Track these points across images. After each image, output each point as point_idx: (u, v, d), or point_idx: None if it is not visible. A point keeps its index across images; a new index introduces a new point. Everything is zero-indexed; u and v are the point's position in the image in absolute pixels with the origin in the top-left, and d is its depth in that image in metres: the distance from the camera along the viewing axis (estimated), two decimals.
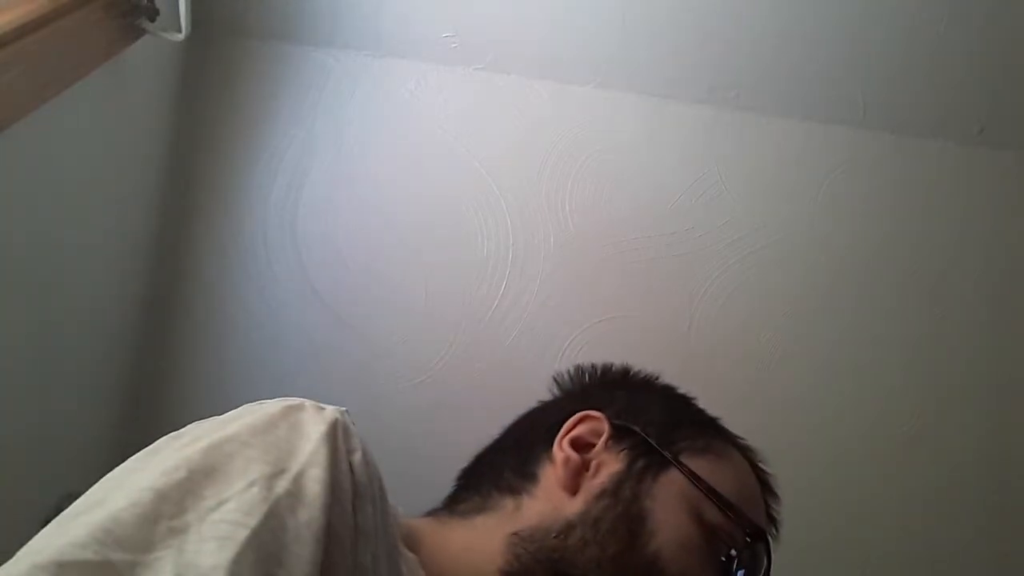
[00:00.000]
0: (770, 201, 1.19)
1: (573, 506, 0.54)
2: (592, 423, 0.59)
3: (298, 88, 1.18)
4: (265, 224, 1.16)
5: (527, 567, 0.51)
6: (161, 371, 1.13)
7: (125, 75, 0.98)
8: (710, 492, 0.55)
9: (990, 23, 1.11)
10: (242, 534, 0.34)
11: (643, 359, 1.14)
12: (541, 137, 1.19)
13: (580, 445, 0.58)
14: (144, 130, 1.09)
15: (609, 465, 0.56)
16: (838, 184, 1.20)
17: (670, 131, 1.20)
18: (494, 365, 1.13)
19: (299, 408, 0.42)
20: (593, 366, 0.68)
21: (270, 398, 0.43)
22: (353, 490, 0.39)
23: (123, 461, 0.41)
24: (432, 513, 0.59)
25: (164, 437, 0.41)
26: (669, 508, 0.54)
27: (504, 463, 0.60)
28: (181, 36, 0.99)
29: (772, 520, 0.64)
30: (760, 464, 0.64)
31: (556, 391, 0.68)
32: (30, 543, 0.34)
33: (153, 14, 0.95)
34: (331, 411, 0.43)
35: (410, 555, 0.48)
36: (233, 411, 0.42)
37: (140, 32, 0.96)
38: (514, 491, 0.57)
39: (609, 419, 0.59)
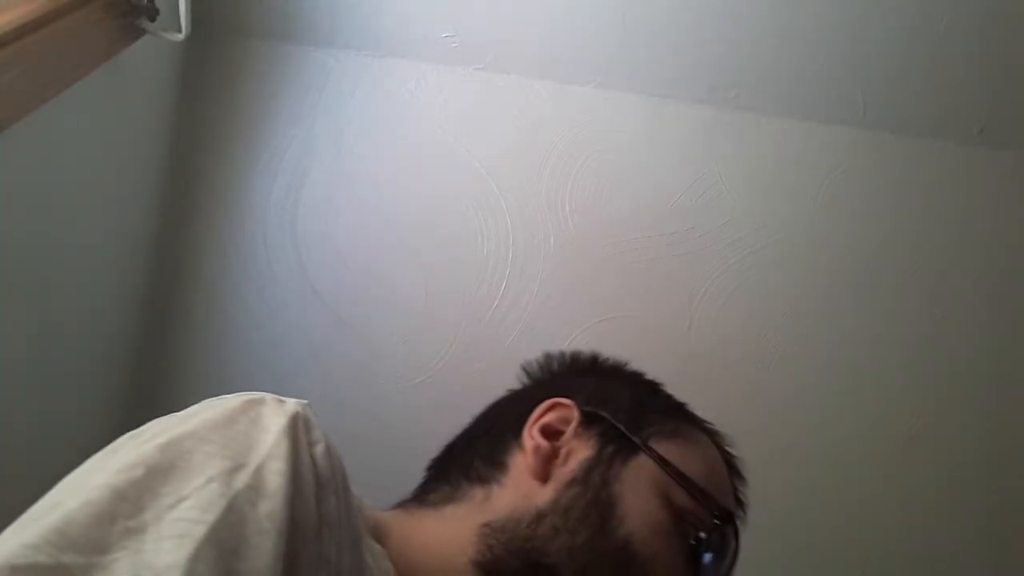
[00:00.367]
0: (770, 201, 1.19)
1: (544, 494, 0.54)
2: (562, 410, 0.59)
3: (298, 88, 1.18)
4: (265, 224, 1.16)
5: (499, 557, 0.51)
6: (161, 371, 1.13)
7: (125, 75, 0.98)
8: (679, 476, 0.56)
9: (990, 23, 1.11)
10: (200, 531, 0.34)
11: (643, 359, 1.14)
12: (541, 137, 1.19)
13: (550, 432, 0.58)
14: (144, 130, 1.09)
15: (579, 452, 0.57)
16: (838, 184, 1.19)
17: (670, 131, 1.20)
18: (494, 365, 1.13)
19: (259, 402, 0.42)
20: (562, 354, 0.69)
21: None
22: (316, 481, 0.39)
23: None
24: (401, 505, 0.59)
25: (124, 436, 0.40)
26: (639, 493, 0.54)
27: (474, 453, 0.60)
28: (181, 36, 0.99)
29: (740, 503, 0.65)
30: (727, 448, 0.65)
31: (525, 379, 0.68)
32: None
33: (153, 14, 0.95)
34: (292, 404, 0.42)
35: (376, 546, 0.48)
36: (193, 407, 0.41)
37: (140, 32, 0.96)
38: (484, 481, 0.57)
39: (578, 406, 0.59)
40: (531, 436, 0.58)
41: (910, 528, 1.12)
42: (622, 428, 0.58)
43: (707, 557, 0.54)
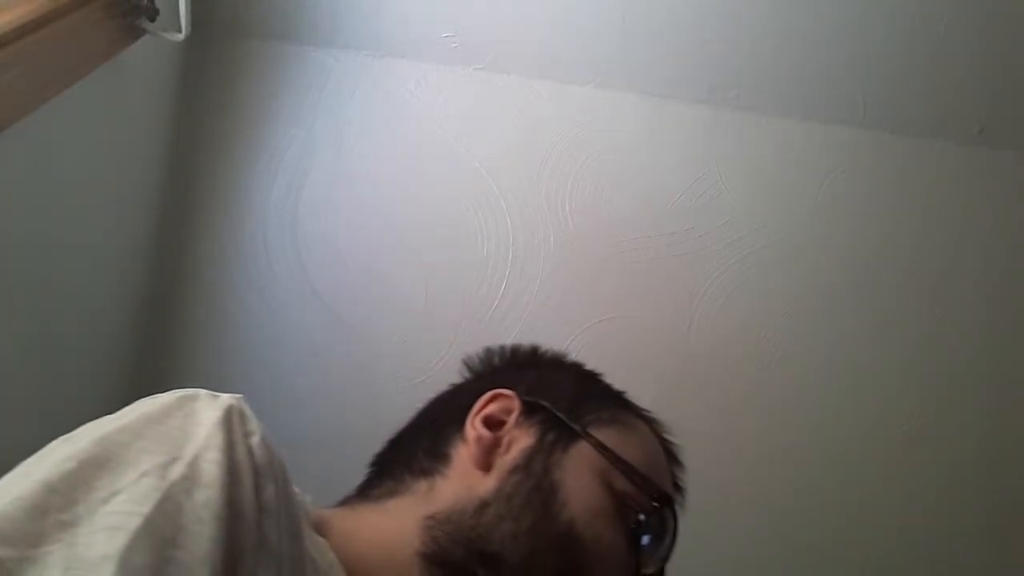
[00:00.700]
0: (770, 201, 1.19)
1: (486, 484, 0.55)
2: (503, 401, 0.60)
3: (298, 88, 1.18)
4: (265, 224, 1.16)
5: (444, 548, 0.52)
6: (161, 371, 1.13)
7: (125, 75, 0.98)
8: (618, 461, 0.57)
9: (990, 23, 1.11)
10: (134, 522, 0.34)
11: (643, 359, 1.14)
12: (541, 137, 1.19)
13: (492, 423, 0.59)
14: (144, 130, 1.09)
15: (520, 441, 0.57)
16: (838, 184, 1.20)
17: (670, 131, 1.20)
18: None
19: (193, 397, 0.42)
20: (502, 347, 0.70)
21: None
22: (253, 470, 0.39)
23: None
24: (344, 502, 0.59)
25: (55, 440, 0.40)
26: (580, 478, 0.55)
27: (416, 446, 0.61)
28: (181, 36, 0.99)
29: (678, 488, 0.66)
30: (665, 435, 0.66)
31: (466, 374, 0.69)
32: None
33: (153, 14, 0.95)
34: (226, 398, 0.42)
35: (319, 539, 0.48)
36: (127, 407, 0.41)
37: (140, 32, 0.96)
38: (427, 473, 0.57)
39: (519, 396, 0.60)
40: (473, 427, 0.58)
41: (910, 528, 1.12)
42: (562, 416, 0.59)
43: (647, 539, 0.55)
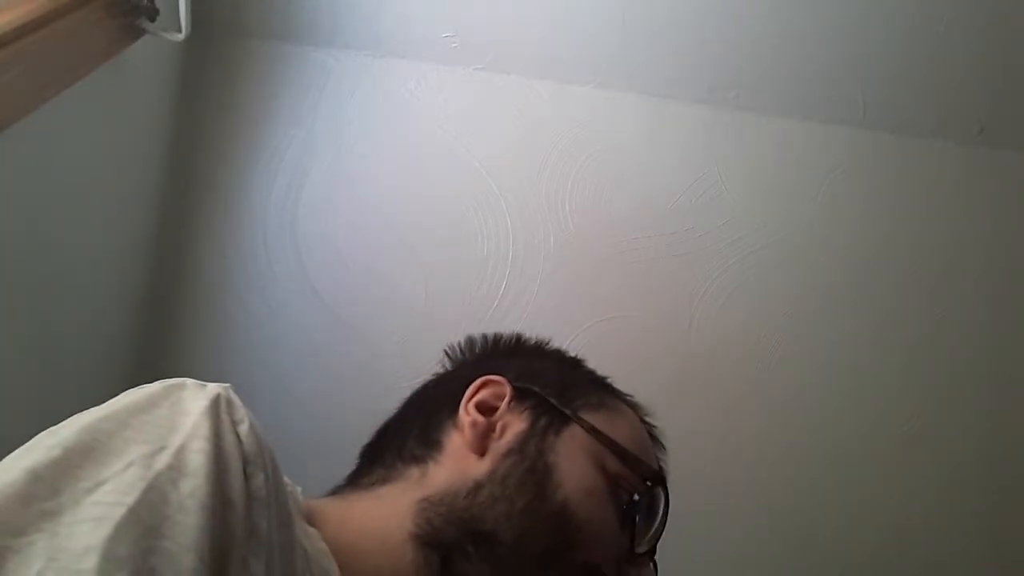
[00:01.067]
0: (770, 201, 1.19)
1: (481, 467, 0.56)
2: (494, 387, 0.61)
3: (298, 88, 1.18)
4: (265, 224, 1.16)
5: (438, 529, 0.52)
6: (161, 371, 1.12)
7: (125, 75, 0.98)
8: (610, 443, 0.58)
9: (990, 23, 1.11)
10: (119, 512, 0.33)
11: (643, 359, 1.14)
12: (541, 137, 1.19)
13: (484, 408, 0.60)
14: (144, 130, 1.09)
15: (514, 425, 0.59)
16: (838, 184, 1.19)
17: (670, 131, 1.20)
18: None
19: (180, 386, 0.42)
20: (484, 336, 0.71)
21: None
22: (242, 458, 0.39)
23: None
24: (334, 491, 0.60)
25: (41, 433, 0.40)
26: (573, 460, 0.57)
27: (406, 434, 0.61)
28: (181, 36, 0.99)
29: (662, 470, 0.66)
30: (647, 418, 0.68)
31: (448, 364, 0.71)
32: None
33: (153, 14, 0.95)
34: (213, 387, 0.42)
35: (310, 528, 0.48)
36: (115, 397, 0.41)
37: (140, 32, 0.96)
38: (419, 460, 0.58)
39: (510, 382, 0.61)
40: (467, 412, 0.59)
41: (910, 528, 1.12)
42: (553, 401, 0.60)
43: (639, 518, 0.57)
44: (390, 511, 0.54)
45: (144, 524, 0.34)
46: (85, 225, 0.95)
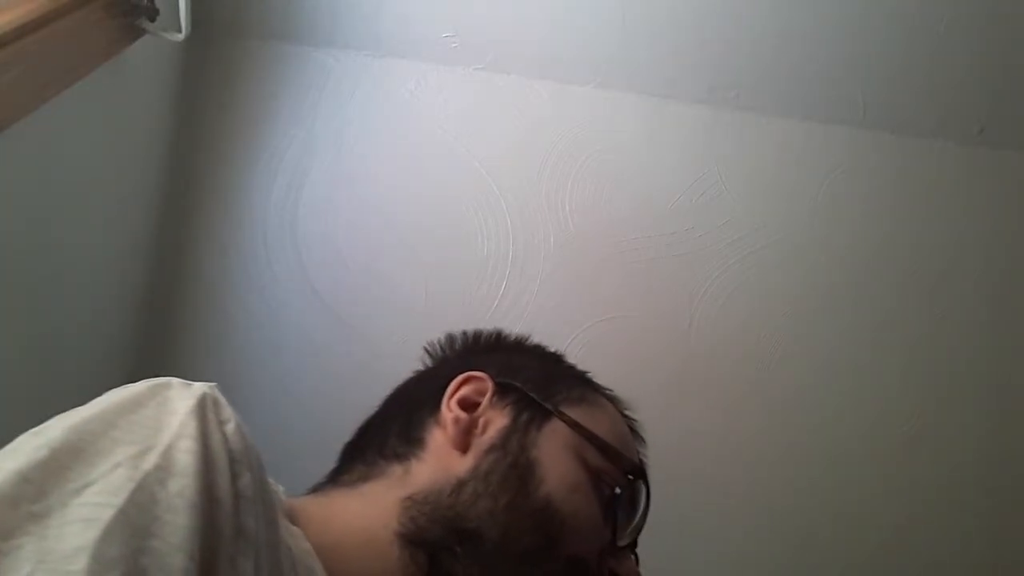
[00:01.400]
0: (770, 201, 1.19)
1: (464, 464, 0.56)
2: (476, 383, 0.61)
3: (298, 88, 1.18)
4: (265, 224, 1.16)
5: (423, 528, 0.52)
6: (161, 371, 1.12)
7: (125, 75, 0.98)
8: (592, 438, 0.59)
9: (990, 23, 1.11)
10: (108, 514, 0.33)
11: (643, 359, 1.14)
12: (541, 137, 1.19)
13: (466, 405, 0.60)
14: (144, 130, 1.09)
15: (496, 421, 0.59)
16: (838, 184, 1.20)
17: (670, 131, 1.20)
18: None
19: (166, 386, 0.42)
20: (464, 333, 0.71)
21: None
22: (229, 457, 0.39)
23: None
24: (315, 489, 0.60)
25: (24, 434, 0.39)
26: (555, 455, 0.57)
27: (388, 431, 0.61)
28: (181, 36, 0.99)
29: (642, 464, 0.67)
30: (627, 412, 0.68)
31: (429, 361, 0.70)
32: None
33: (153, 14, 0.95)
34: (199, 386, 0.42)
35: (294, 528, 0.48)
36: (98, 398, 0.41)
37: (140, 32, 0.96)
38: (401, 457, 0.58)
39: (492, 378, 0.61)
40: (450, 408, 0.59)
41: (910, 528, 1.12)
42: (534, 396, 0.60)
43: (622, 511, 0.57)
44: (374, 510, 0.54)
45: (133, 524, 0.34)
46: (85, 225, 0.95)
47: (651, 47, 1.16)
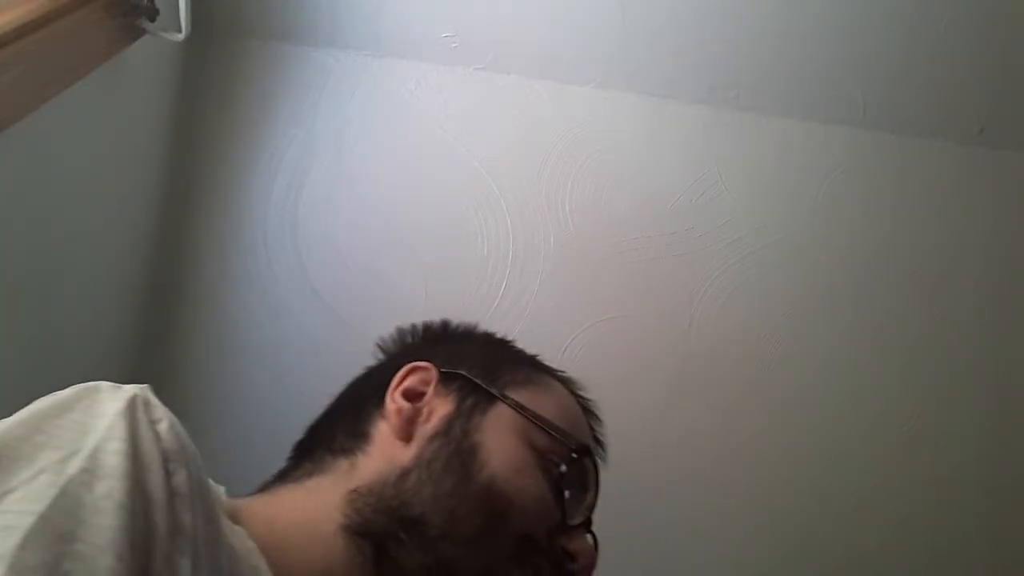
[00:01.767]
0: (770, 201, 1.19)
1: (407, 453, 0.56)
2: (420, 373, 0.62)
3: (298, 88, 1.18)
4: (265, 224, 1.16)
5: (368, 519, 0.53)
6: (161, 371, 1.13)
7: (125, 75, 0.98)
8: (535, 418, 0.59)
9: (990, 23, 1.11)
10: (27, 521, 0.33)
11: (643, 359, 1.14)
12: (541, 137, 1.19)
13: (412, 395, 0.60)
14: (144, 130, 1.09)
15: (440, 409, 0.59)
16: (838, 184, 1.20)
17: (670, 131, 1.20)
18: None
19: (95, 389, 0.41)
20: (414, 325, 0.72)
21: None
22: (163, 455, 0.39)
23: None
24: (262, 488, 0.60)
25: None
26: (499, 438, 0.57)
27: (335, 428, 0.61)
28: (181, 36, 0.99)
29: (598, 442, 0.68)
30: (580, 392, 0.68)
31: (380, 356, 0.71)
32: None
33: (153, 14, 0.95)
34: (130, 388, 0.42)
35: (237, 527, 0.48)
36: (27, 405, 0.41)
37: (140, 32, 0.96)
38: (348, 452, 0.58)
39: (437, 367, 0.62)
40: (393, 400, 0.60)
41: (910, 528, 1.12)
42: (479, 382, 0.61)
43: (569, 489, 0.58)
44: (318, 504, 0.54)
45: (57, 530, 0.33)
46: (85, 225, 0.95)
47: (651, 47, 1.16)
